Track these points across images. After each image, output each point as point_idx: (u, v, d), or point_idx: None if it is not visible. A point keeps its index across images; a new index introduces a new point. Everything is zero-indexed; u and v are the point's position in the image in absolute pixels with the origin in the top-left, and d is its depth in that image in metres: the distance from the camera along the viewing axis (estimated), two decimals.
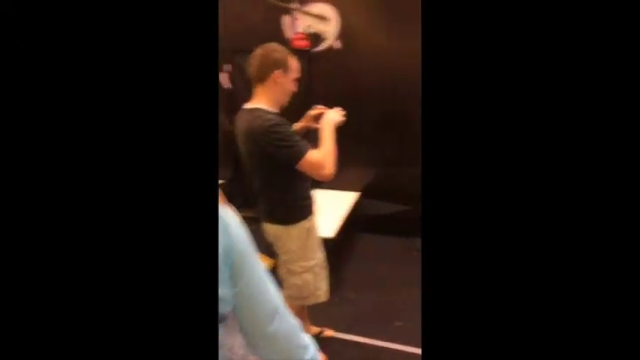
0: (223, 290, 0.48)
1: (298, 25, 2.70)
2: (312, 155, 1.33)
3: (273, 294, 0.54)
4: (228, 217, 0.51)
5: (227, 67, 2.92)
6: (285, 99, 1.44)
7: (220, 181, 0.65)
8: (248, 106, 1.42)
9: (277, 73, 1.37)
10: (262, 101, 1.40)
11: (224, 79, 2.97)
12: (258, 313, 0.52)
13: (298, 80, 1.45)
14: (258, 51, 1.40)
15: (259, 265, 0.52)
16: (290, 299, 1.59)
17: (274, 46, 1.41)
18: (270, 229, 1.53)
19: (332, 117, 1.45)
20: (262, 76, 1.38)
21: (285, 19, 2.72)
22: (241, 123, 1.42)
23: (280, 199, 1.46)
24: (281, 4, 2.59)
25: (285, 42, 2.70)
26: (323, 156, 1.35)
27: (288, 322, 0.56)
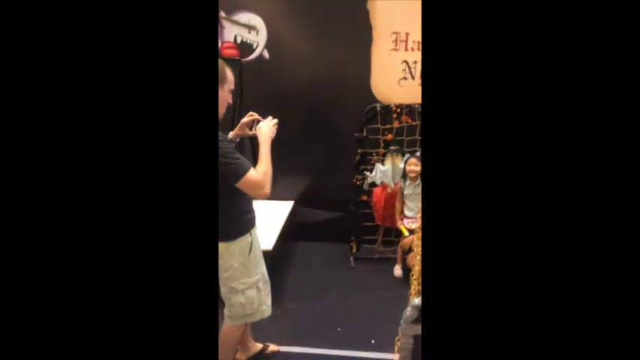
0: None
1: (226, 34, 2.65)
2: (252, 175, 1.32)
3: None
4: None
5: None
6: (221, 111, 1.40)
7: None
8: None
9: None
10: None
11: None
12: None
13: (232, 92, 1.43)
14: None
15: None
16: (232, 319, 1.55)
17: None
18: None
19: (267, 130, 1.45)
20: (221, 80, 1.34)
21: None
22: None
23: (220, 214, 1.39)
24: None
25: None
26: (263, 175, 1.34)
27: None
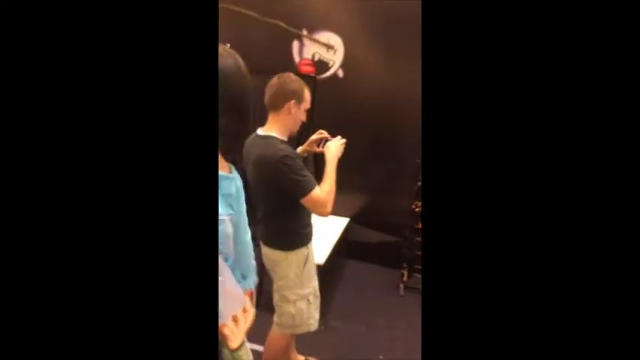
0: (237, 207, 0.79)
1: (306, 51, 2.76)
2: (317, 193, 1.36)
3: (247, 219, 0.85)
4: (238, 178, 0.81)
5: None
6: (295, 128, 1.47)
7: None
8: (261, 132, 1.45)
9: (292, 103, 1.41)
10: (275, 129, 1.43)
11: None
12: (243, 224, 0.83)
13: (307, 111, 1.49)
14: (275, 80, 1.44)
15: (244, 207, 0.84)
16: (281, 327, 1.58)
17: (291, 77, 1.45)
18: (270, 254, 1.53)
19: (335, 149, 1.48)
20: (277, 105, 1.41)
21: (295, 45, 2.78)
22: (253, 148, 1.44)
23: (282, 225, 1.48)
24: (291, 29, 2.65)
25: (292, 65, 2.76)
26: (326, 195, 1.38)
27: (250, 237, 0.87)
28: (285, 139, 1.44)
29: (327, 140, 1.55)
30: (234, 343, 0.85)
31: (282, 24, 2.61)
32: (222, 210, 0.74)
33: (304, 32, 2.72)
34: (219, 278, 0.70)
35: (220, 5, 2.61)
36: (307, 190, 1.35)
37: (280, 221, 1.47)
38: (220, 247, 0.72)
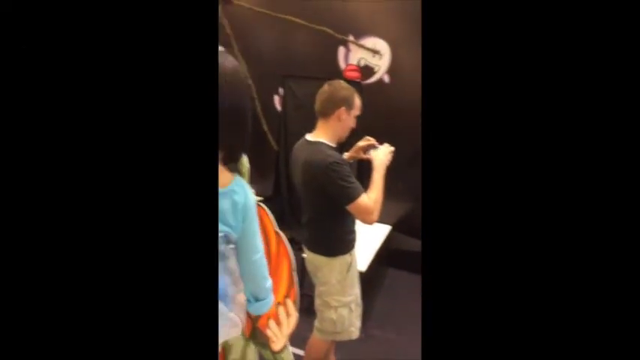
0: (237, 225, 0.73)
1: (352, 56, 2.77)
2: (363, 200, 1.35)
3: (259, 237, 0.81)
4: (247, 187, 0.77)
5: (281, 90, 3.01)
6: (344, 134, 1.48)
7: (258, 198, 0.73)
8: (310, 137, 1.47)
9: (342, 109, 1.42)
10: (324, 135, 1.45)
11: (276, 103, 3.06)
12: (250, 244, 0.77)
13: (356, 117, 1.49)
14: (326, 87, 1.46)
15: (256, 219, 0.79)
16: (322, 333, 1.58)
17: (342, 84, 1.46)
18: (313, 259, 1.54)
19: (383, 157, 1.47)
20: (327, 112, 1.43)
21: (340, 50, 2.79)
22: (301, 153, 1.46)
23: (327, 230, 1.49)
24: (337, 35, 2.67)
25: (338, 71, 2.77)
26: (373, 203, 1.37)
27: (262, 257, 0.81)
28: (333, 145, 1.45)
29: (374, 147, 1.54)
30: (277, 346, 0.87)
31: (328, 30, 2.63)
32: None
33: (350, 38, 2.73)
34: None
35: (266, 11, 2.69)
36: (354, 197, 1.34)
37: (325, 227, 1.48)
38: None
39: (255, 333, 0.87)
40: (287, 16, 2.67)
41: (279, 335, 0.84)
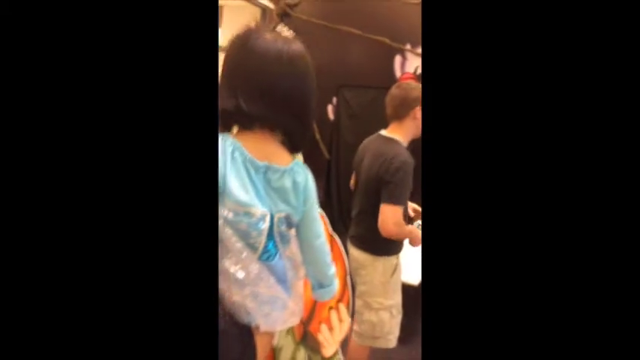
0: (299, 207, 0.70)
1: (408, 65, 2.73)
2: (398, 212, 1.37)
3: (320, 222, 0.77)
4: (307, 170, 0.73)
5: (334, 100, 3.03)
6: (418, 133, 1.48)
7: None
8: (385, 133, 1.51)
9: (417, 109, 1.42)
10: (399, 134, 1.48)
11: (330, 112, 3.09)
12: (311, 228, 0.74)
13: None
14: (396, 91, 1.48)
15: (317, 206, 0.76)
16: (360, 337, 1.53)
17: (411, 85, 1.48)
18: (358, 256, 1.52)
19: (419, 234, 1.50)
20: (402, 114, 1.45)
21: (397, 59, 2.77)
22: (373, 145, 1.50)
23: (376, 227, 1.46)
24: (394, 45, 2.65)
25: (394, 80, 2.74)
26: (400, 227, 1.38)
27: (325, 242, 0.78)
28: (406, 144, 1.48)
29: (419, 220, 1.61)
30: (328, 352, 0.85)
31: (385, 40, 2.62)
32: (263, 204, 0.66)
33: (407, 47, 2.69)
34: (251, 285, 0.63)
35: (324, 23, 2.73)
36: (396, 202, 1.35)
37: (375, 223, 1.45)
38: (252, 241, 0.65)
39: (306, 337, 0.86)
40: (344, 27, 2.70)
41: (330, 341, 0.82)
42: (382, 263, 1.45)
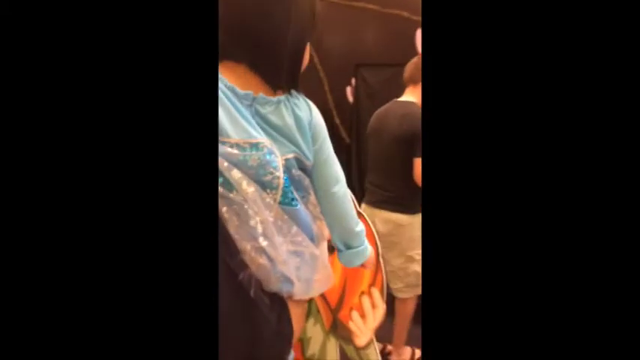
0: (308, 147, 0.60)
1: None
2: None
3: (337, 165, 0.66)
4: (310, 102, 0.64)
5: (353, 81, 2.94)
6: None
7: None
8: (402, 99, 1.62)
9: None
10: (414, 97, 1.62)
11: (349, 95, 3.00)
12: (326, 172, 0.64)
13: None
14: (415, 59, 1.61)
15: (329, 142, 0.65)
16: (407, 289, 1.61)
17: None
18: (392, 217, 1.57)
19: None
20: (418, 78, 1.55)
21: (418, 33, 2.64)
22: (392, 108, 1.60)
23: (413, 187, 1.52)
24: (414, 17, 2.54)
25: (415, 55, 2.62)
26: None
27: (346, 189, 0.67)
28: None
29: None
30: (361, 341, 0.77)
31: (404, 13, 2.52)
32: (262, 134, 0.56)
33: None
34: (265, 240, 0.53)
35: (339, 1, 2.63)
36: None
37: (410, 183, 1.52)
38: (269, 178, 0.55)
39: (335, 325, 0.78)
40: (360, 3, 2.60)
41: (363, 329, 0.74)
42: (418, 219, 1.54)
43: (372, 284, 0.77)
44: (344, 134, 3.00)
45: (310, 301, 0.77)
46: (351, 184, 2.75)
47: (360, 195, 2.95)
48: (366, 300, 0.76)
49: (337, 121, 3.02)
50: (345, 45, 2.89)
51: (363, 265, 0.67)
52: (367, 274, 0.79)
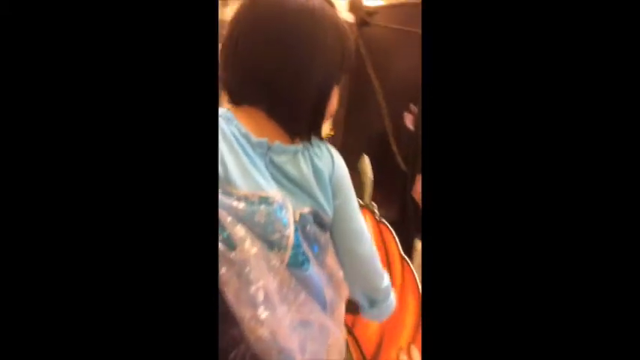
0: (327, 201, 0.55)
1: None
2: None
3: (362, 221, 0.60)
4: (333, 151, 0.60)
5: (413, 107, 2.86)
6: None
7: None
8: None
9: None
10: None
11: (406, 121, 2.91)
12: (349, 229, 0.58)
13: None
14: None
15: (354, 196, 0.59)
16: None
17: None
18: None
19: None
20: None
21: None
22: None
23: None
24: None
25: None
26: None
27: (372, 246, 0.61)
28: None
29: None
30: None
31: None
32: (274, 186, 0.52)
33: None
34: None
35: (403, 28, 2.59)
36: None
37: None
38: (276, 237, 0.50)
39: None
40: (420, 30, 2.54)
41: None
42: None
43: (412, 342, 0.68)
44: (400, 162, 2.91)
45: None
46: (406, 216, 2.65)
47: (413, 227, 2.82)
48: (404, 358, 0.67)
49: (395, 148, 2.95)
50: (406, 71, 2.84)
51: None
52: (408, 328, 0.70)
